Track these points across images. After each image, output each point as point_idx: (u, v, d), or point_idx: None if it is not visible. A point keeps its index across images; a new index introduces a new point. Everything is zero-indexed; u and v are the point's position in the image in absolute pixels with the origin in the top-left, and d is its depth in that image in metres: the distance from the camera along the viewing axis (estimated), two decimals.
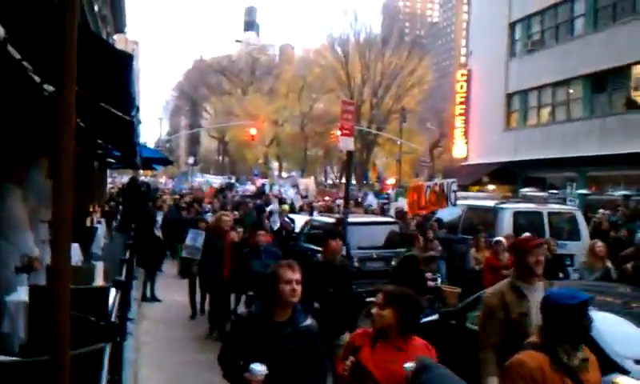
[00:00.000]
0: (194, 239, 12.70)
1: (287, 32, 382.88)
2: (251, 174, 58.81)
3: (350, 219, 14.10)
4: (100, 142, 15.04)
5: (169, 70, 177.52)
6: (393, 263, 11.85)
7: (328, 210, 24.25)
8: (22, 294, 6.44)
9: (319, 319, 6.49)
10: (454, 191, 15.11)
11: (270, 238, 12.16)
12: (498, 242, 11.79)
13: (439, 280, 11.40)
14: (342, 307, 7.25)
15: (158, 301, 14.29)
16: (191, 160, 74.46)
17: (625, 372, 6.01)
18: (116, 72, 5.15)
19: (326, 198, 33.31)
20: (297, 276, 4.32)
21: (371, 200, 28.59)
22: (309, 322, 4.44)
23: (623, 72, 29.27)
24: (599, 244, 10.85)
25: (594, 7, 31.24)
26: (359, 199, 30.40)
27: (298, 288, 4.30)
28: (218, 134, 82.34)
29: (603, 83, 30.69)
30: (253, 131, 59.63)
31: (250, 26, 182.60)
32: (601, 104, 30.87)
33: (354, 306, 7.76)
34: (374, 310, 4.19)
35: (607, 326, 6.87)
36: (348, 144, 11.21)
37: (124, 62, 4.86)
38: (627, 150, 26.13)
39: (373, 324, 4.20)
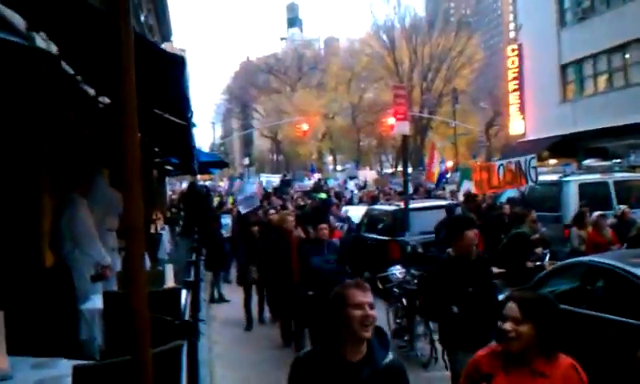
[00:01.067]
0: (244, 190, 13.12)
1: (331, 24, 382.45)
2: (307, 170, 59.00)
3: (412, 205, 13.99)
4: (157, 150, 15.32)
5: (217, 74, 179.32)
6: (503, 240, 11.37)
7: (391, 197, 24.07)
8: (96, 302, 6.60)
9: (460, 326, 6.09)
10: (534, 167, 14.54)
11: (338, 233, 11.94)
12: (602, 215, 11.47)
13: (547, 259, 10.80)
14: (485, 309, 6.12)
15: (226, 301, 14.45)
16: (246, 161, 75.14)
17: None
18: (170, 77, 5.19)
19: (390, 187, 33.12)
20: (368, 298, 3.35)
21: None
22: (391, 356, 3.40)
23: None
24: None
25: None
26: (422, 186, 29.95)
27: (373, 314, 3.30)
28: (271, 132, 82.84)
29: None
30: (305, 127, 59.86)
31: (293, 22, 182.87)
32: None
33: (497, 307, 6.36)
34: (509, 326, 3.32)
35: None
36: (403, 128, 11.09)
37: (177, 65, 4.89)
38: None
39: (508, 345, 3.33)
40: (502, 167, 14.65)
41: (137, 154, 2.75)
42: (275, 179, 42.30)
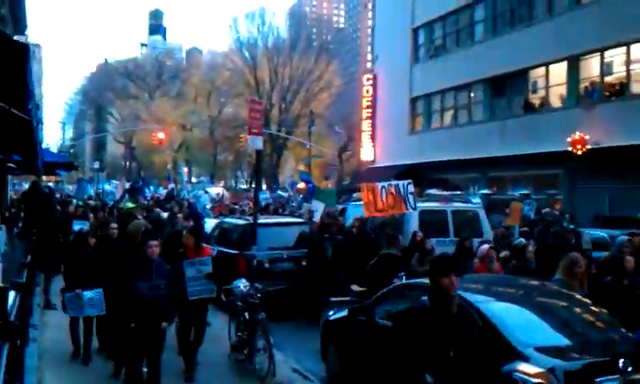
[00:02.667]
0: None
1: (194, 35, 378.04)
2: (163, 178, 57.71)
3: (260, 220, 14.08)
4: None
5: (72, 73, 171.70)
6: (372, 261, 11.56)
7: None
8: None
9: None
10: (412, 193, 14.42)
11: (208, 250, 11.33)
12: (493, 247, 11.36)
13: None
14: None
15: (54, 308, 13.42)
16: (97, 165, 72.48)
17: (525, 359, 6.27)
18: (11, 65, 4.95)
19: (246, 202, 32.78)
20: None
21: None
22: None
23: (521, 75, 30.53)
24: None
25: (493, 13, 32.47)
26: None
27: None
28: (125, 139, 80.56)
29: (502, 87, 31.91)
30: (161, 135, 58.84)
31: (156, 29, 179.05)
32: (501, 107, 32.06)
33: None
34: None
35: (509, 315, 7.18)
36: (257, 143, 11.14)
37: (20, 54, 4.69)
38: (526, 151, 27.25)
39: None
40: (384, 189, 14.21)
41: None
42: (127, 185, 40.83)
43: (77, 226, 14.35)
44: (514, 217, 17.32)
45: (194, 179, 73.31)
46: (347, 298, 10.36)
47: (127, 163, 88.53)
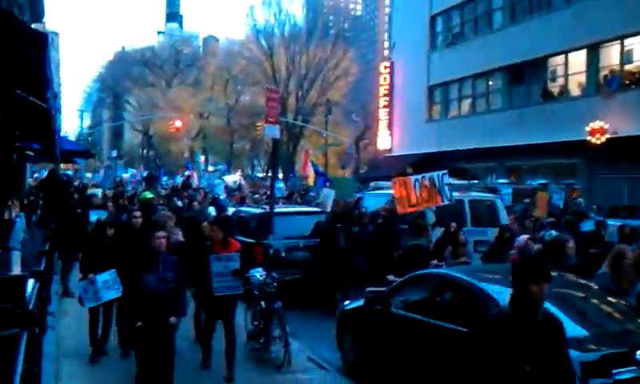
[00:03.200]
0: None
1: (211, 23, 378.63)
2: (181, 166, 57.93)
3: (277, 209, 14.10)
4: (17, 133, 14.58)
5: (90, 61, 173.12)
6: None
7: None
8: None
9: None
10: (448, 184, 14.04)
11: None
12: (529, 239, 10.94)
13: None
14: None
15: (72, 296, 13.49)
16: (114, 153, 72.87)
17: None
18: (31, 55, 4.98)
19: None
20: None
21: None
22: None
23: (539, 64, 30.30)
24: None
25: (512, 1, 32.22)
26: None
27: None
28: (142, 127, 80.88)
29: (521, 75, 31.70)
30: (178, 124, 59.02)
31: (173, 17, 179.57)
32: (519, 95, 31.87)
33: None
34: None
35: None
36: (273, 132, 11.09)
37: (38, 42, 4.70)
38: (544, 140, 27.07)
39: None
40: (417, 183, 13.72)
41: None
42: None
43: (94, 216, 13.91)
44: (540, 207, 17.02)
45: (210, 168, 73.61)
46: (384, 288, 10.20)
47: (144, 151, 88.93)
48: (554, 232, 11.84)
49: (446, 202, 13.97)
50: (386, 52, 42.50)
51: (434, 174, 14.11)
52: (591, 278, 8.46)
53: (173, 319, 7.37)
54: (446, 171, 14.33)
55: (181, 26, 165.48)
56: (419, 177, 13.95)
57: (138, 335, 7.42)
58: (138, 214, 11.13)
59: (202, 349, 9.30)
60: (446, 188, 13.88)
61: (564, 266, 9.08)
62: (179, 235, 10.67)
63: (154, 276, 7.36)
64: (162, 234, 7.71)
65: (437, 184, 13.80)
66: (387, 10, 69.24)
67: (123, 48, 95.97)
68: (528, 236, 11.04)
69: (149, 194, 17.74)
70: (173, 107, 66.31)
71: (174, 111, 63.62)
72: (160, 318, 7.30)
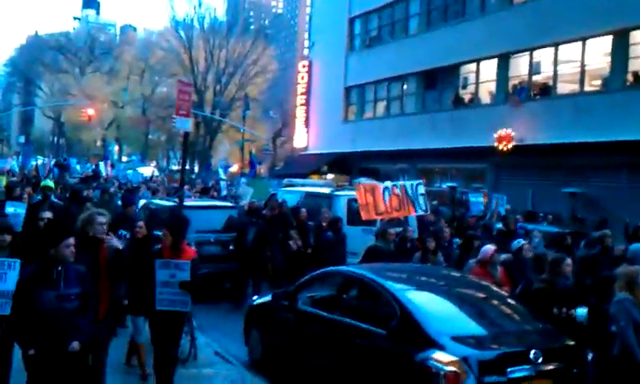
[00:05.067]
0: None
1: (129, 12, 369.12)
2: (92, 155, 56.41)
3: (187, 203, 13.97)
4: None
5: (1, 44, 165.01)
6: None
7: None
8: None
9: None
10: (423, 194, 13.48)
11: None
12: (497, 250, 9.84)
13: None
14: None
15: None
16: (22, 139, 70.37)
17: (441, 347, 6.45)
18: None
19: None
20: None
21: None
22: None
23: (452, 70, 31.10)
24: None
25: (428, 8, 32.91)
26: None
27: None
28: (54, 114, 78.37)
29: (434, 80, 32.44)
30: (90, 112, 57.56)
31: (90, 3, 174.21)
32: (432, 100, 32.59)
33: None
34: None
35: (427, 305, 7.36)
36: (185, 125, 11.01)
37: None
38: (455, 145, 27.81)
39: None
40: (387, 191, 13.11)
41: None
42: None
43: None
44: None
45: (124, 158, 72.05)
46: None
47: (55, 139, 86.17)
48: (522, 241, 11.08)
49: (421, 213, 13.66)
50: (306, 51, 42.67)
51: (407, 183, 13.73)
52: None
53: (74, 344, 5.81)
54: (420, 181, 14.08)
55: (98, 12, 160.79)
56: (390, 185, 13.43)
57: (31, 366, 5.90)
58: (47, 214, 9.75)
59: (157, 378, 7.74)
60: (421, 198, 13.44)
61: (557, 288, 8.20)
62: (114, 241, 7.47)
63: (54, 293, 5.82)
64: (72, 240, 6.05)
65: (409, 193, 13.36)
66: (307, 9, 69.47)
67: (37, 32, 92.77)
68: (494, 247, 9.92)
69: (49, 182, 16.44)
70: (86, 95, 64.50)
71: (87, 99, 61.88)
72: (59, 343, 5.79)
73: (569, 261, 8.42)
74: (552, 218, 19.04)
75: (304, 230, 13.91)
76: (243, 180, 19.29)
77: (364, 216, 13.22)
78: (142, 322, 8.39)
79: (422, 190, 13.55)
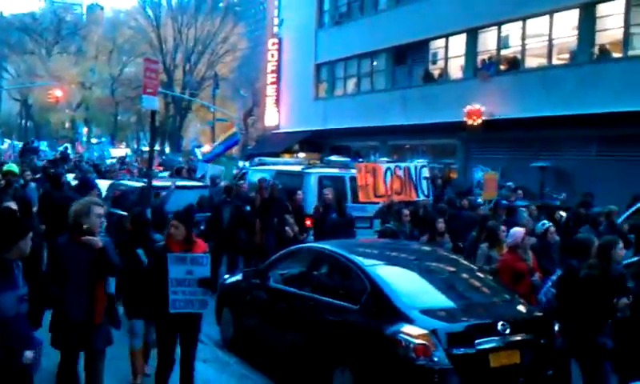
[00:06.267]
0: None
1: None
2: (61, 137, 55.67)
3: (156, 183, 13.82)
4: None
5: None
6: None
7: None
8: None
9: None
10: (426, 177, 13.02)
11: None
12: (526, 234, 9.23)
13: None
14: None
15: None
16: None
17: (410, 321, 6.51)
18: None
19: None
20: None
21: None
22: None
23: (422, 46, 31.06)
24: None
25: None
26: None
27: None
28: (20, 96, 77.03)
29: (404, 57, 32.39)
30: (58, 93, 56.73)
31: None
32: (402, 76, 32.55)
33: None
34: None
35: (397, 279, 7.42)
36: (152, 103, 10.85)
37: None
38: (425, 121, 27.86)
39: None
40: (389, 172, 12.59)
41: None
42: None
43: None
44: (489, 189, 16.00)
45: (93, 140, 71.20)
46: None
47: (23, 122, 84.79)
48: (547, 223, 10.40)
49: (422, 198, 13.03)
50: (275, 29, 42.33)
51: (411, 164, 13.21)
52: None
53: (29, 354, 4.93)
54: (425, 163, 13.60)
55: None
56: (392, 166, 12.99)
57: None
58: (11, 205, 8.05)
59: None
60: (424, 182, 12.93)
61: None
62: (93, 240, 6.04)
63: (13, 294, 4.90)
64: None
65: (413, 176, 12.87)
66: None
67: (1, 13, 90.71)
68: (524, 229, 9.38)
69: (13, 167, 15.60)
70: (53, 76, 63.43)
71: (54, 80, 60.87)
72: (17, 353, 4.92)
73: (621, 244, 7.40)
74: (522, 193, 19.12)
75: (300, 215, 13.41)
76: (214, 166, 19.05)
77: (362, 198, 12.83)
78: (141, 325, 7.57)
79: (425, 172, 13.16)
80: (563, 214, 13.82)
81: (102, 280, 6.02)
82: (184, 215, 6.89)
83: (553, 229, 10.11)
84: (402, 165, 13.15)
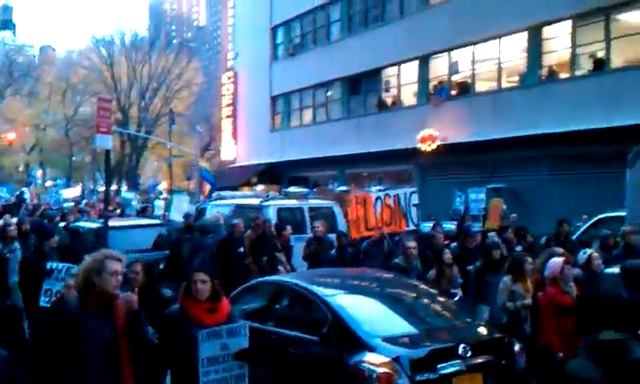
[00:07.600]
0: None
1: (47, 32, 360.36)
2: (17, 181, 54.60)
3: (112, 223, 13.67)
4: None
5: None
6: None
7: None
8: None
9: None
10: (415, 205, 12.38)
11: None
12: (567, 263, 7.76)
13: None
14: None
15: None
16: None
17: (372, 349, 6.50)
18: None
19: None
20: None
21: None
22: None
23: (375, 75, 31.46)
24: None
25: (348, 13, 33.19)
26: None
27: None
28: None
29: (358, 85, 32.77)
30: (11, 136, 55.92)
31: (6, 24, 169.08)
32: (357, 105, 32.89)
33: None
34: None
35: (358, 308, 7.40)
36: (105, 142, 10.79)
37: None
38: (381, 148, 28.14)
39: None
40: (379, 201, 11.87)
41: None
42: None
43: None
44: (492, 217, 15.47)
45: (49, 182, 70.01)
46: None
47: None
48: (588, 250, 9.19)
49: (412, 228, 12.31)
50: (230, 62, 42.54)
51: (401, 191, 12.67)
52: None
53: None
54: (415, 189, 13.04)
55: (14, 34, 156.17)
56: (382, 194, 12.30)
57: None
58: None
59: None
60: (413, 210, 12.29)
61: None
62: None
63: None
64: None
65: (402, 204, 12.30)
66: (230, 20, 69.16)
67: None
68: (562, 258, 7.80)
69: None
70: (6, 119, 62.53)
71: (7, 123, 59.99)
72: None
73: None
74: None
75: (287, 252, 12.25)
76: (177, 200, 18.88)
77: (354, 234, 12.19)
78: None
79: (415, 199, 12.58)
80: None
81: (129, 356, 4.86)
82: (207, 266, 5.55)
83: (596, 255, 8.92)
84: (392, 192, 12.55)
